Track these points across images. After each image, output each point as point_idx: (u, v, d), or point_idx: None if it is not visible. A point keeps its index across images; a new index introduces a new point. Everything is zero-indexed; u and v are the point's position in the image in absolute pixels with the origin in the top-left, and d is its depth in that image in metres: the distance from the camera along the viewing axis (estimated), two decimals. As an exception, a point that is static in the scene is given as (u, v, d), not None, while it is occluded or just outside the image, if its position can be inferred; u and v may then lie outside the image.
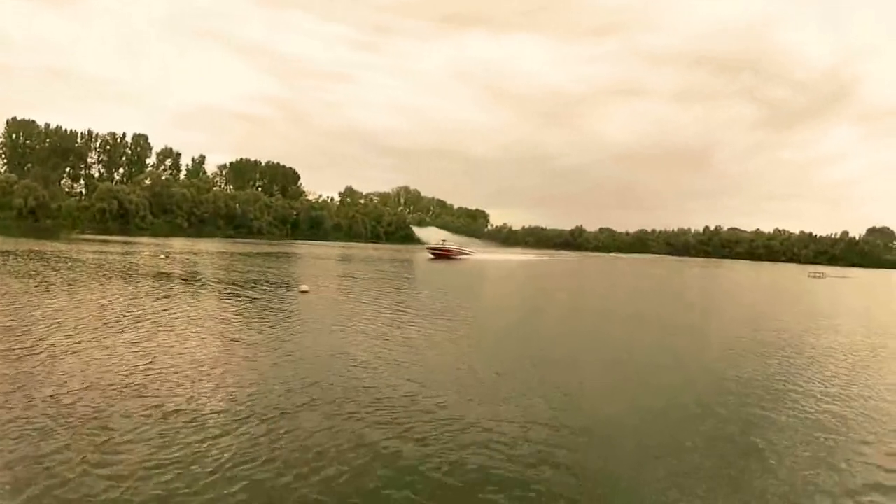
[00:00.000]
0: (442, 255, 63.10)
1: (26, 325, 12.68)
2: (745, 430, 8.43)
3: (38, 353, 10.33)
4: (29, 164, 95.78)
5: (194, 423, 7.27)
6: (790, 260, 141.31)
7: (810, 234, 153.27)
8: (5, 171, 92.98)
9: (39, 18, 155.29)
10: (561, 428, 7.91)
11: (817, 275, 70.77)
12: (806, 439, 8.18)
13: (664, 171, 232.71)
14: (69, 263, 28.74)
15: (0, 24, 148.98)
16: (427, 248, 67.34)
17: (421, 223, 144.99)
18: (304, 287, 23.29)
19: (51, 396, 8.02)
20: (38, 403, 7.73)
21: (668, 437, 7.89)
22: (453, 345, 13.75)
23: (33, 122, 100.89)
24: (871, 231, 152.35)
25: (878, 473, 7.09)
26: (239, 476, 5.94)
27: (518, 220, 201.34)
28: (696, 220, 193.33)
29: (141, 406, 7.79)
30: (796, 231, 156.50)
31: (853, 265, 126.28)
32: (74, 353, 10.53)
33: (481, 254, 70.68)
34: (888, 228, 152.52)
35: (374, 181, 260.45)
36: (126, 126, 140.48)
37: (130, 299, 17.58)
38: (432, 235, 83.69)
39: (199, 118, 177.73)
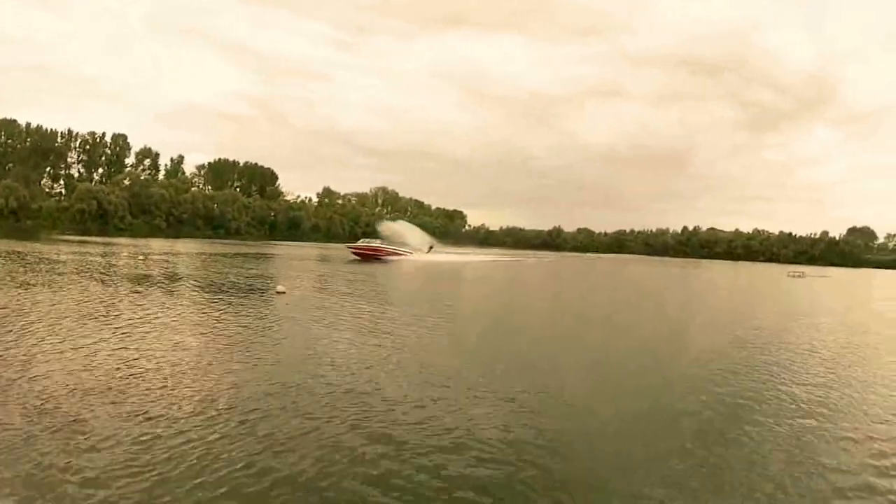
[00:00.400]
0: (367, 254, 55.22)
1: (1, 327, 12.88)
2: (725, 430, 8.48)
3: (11, 355, 10.46)
4: (10, 164, 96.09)
5: (169, 426, 7.37)
6: (769, 260, 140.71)
7: (790, 234, 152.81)
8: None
9: (19, 16, 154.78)
10: (539, 430, 7.94)
11: (797, 274, 70.70)
12: (787, 439, 8.22)
13: (645, 172, 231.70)
14: (48, 265, 29.54)
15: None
16: (348, 247, 59.14)
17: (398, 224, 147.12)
18: (280, 288, 23.55)
19: (24, 398, 8.14)
20: (11, 406, 7.87)
21: (647, 439, 7.90)
22: (427, 346, 13.88)
23: (14, 121, 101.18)
24: (852, 231, 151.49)
25: (860, 473, 7.16)
26: (215, 481, 6.01)
27: (498, 221, 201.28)
28: (676, 221, 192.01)
29: (114, 410, 7.81)
30: (776, 231, 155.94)
31: (833, 265, 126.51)
32: (49, 354, 10.66)
33: (426, 254, 62.30)
34: (869, 228, 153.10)
35: (354, 181, 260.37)
36: (109, 125, 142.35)
37: (106, 301, 17.64)
38: (409, 234, 74.91)
39: (182, 117, 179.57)
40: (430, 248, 67.88)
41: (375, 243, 57.91)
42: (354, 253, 56.25)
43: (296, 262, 47.87)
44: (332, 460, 6.70)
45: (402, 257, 56.87)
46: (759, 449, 7.80)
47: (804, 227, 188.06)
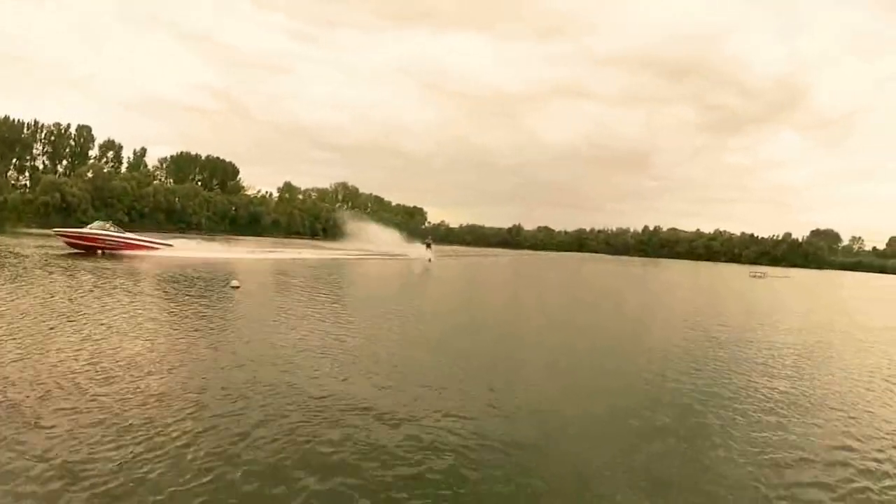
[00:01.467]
0: (81, 242, 36.37)
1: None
2: (689, 430, 8.44)
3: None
4: None
5: (123, 423, 7.17)
6: (731, 260, 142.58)
7: (752, 234, 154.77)
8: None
9: None
10: (499, 433, 7.72)
11: (758, 275, 71.18)
12: (747, 438, 8.19)
13: (607, 172, 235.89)
14: (11, 258, 29.32)
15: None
16: (56, 232, 38.65)
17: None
18: (234, 283, 23.24)
19: None
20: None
21: (610, 440, 7.82)
22: (385, 339, 13.89)
23: None
24: (815, 233, 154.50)
25: (821, 470, 7.21)
26: (169, 482, 5.78)
27: (459, 218, 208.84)
28: (638, 221, 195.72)
29: (67, 409, 7.56)
30: (738, 232, 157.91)
31: (796, 266, 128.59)
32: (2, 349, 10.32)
33: (187, 249, 42.92)
34: (832, 231, 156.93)
35: (314, 176, 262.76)
36: (74, 115, 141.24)
37: (60, 296, 17.30)
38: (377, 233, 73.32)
39: (147, 107, 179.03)
40: (429, 245, 60.33)
41: (108, 229, 38.20)
42: (68, 242, 36.88)
43: (253, 256, 47.45)
44: (294, 460, 6.54)
45: (152, 251, 38.18)
46: (724, 447, 7.81)
47: (768, 229, 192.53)
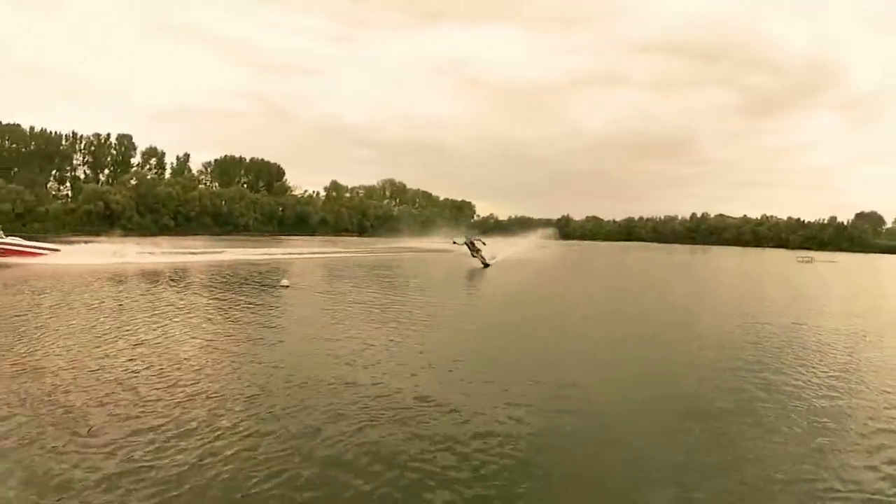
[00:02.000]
0: None
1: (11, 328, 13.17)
2: (740, 423, 8.42)
3: (23, 353, 10.76)
4: (15, 169, 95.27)
5: (179, 418, 7.50)
6: (778, 245, 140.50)
7: (798, 219, 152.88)
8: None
9: (10, 18, 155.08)
10: (555, 424, 7.96)
11: (805, 259, 71.61)
12: (800, 430, 8.15)
13: (644, 159, 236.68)
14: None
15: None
16: None
17: (409, 216, 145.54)
18: (284, 281, 24.17)
19: (30, 393, 8.41)
20: (20, 401, 8.13)
21: (661, 433, 7.85)
22: (437, 338, 13.99)
23: (18, 125, 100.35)
24: (860, 216, 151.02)
25: (878, 469, 6.97)
26: (225, 477, 5.99)
27: (504, 210, 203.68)
28: (678, 209, 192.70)
29: (126, 406, 7.97)
30: (784, 217, 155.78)
31: (841, 250, 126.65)
32: (63, 350, 10.94)
33: (76, 255, 35.13)
34: (876, 213, 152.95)
35: (354, 175, 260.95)
36: (110, 126, 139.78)
37: (116, 299, 18.20)
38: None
39: (182, 116, 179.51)
40: (471, 244, 39.69)
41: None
42: None
43: (302, 257, 46.71)
44: (347, 456, 6.73)
45: (29, 258, 32.31)
46: (780, 434, 7.92)
47: (810, 212, 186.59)
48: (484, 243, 39.86)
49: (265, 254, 49.33)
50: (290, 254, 51.91)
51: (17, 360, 10.73)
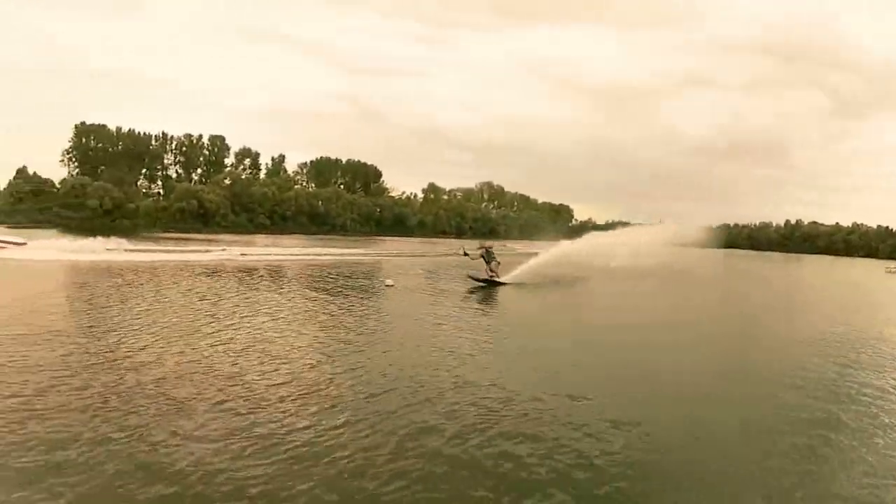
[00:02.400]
0: None
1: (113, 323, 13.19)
2: (826, 438, 8.26)
3: (125, 345, 11.02)
4: (102, 167, 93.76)
5: (282, 412, 7.74)
6: (868, 255, 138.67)
7: (887, 227, 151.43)
8: (77, 174, 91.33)
9: (102, 24, 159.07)
10: (645, 434, 7.84)
11: (893, 270, 69.93)
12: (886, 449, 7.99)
13: (736, 161, 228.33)
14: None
15: (59, 30, 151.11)
16: None
17: (505, 218, 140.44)
18: (389, 281, 24.39)
19: (134, 385, 8.58)
20: (123, 392, 8.27)
21: (748, 446, 7.80)
22: (536, 342, 14.21)
23: (104, 126, 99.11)
24: None
25: None
26: (342, 475, 6.06)
27: (602, 214, 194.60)
28: (768, 214, 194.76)
29: (232, 398, 8.21)
30: (874, 225, 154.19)
31: None
32: (163, 349, 10.87)
33: (43, 249, 32.68)
34: None
35: (449, 177, 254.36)
36: (199, 128, 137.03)
37: (217, 294, 18.46)
38: None
39: (272, 117, 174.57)
40: (484, 251, 30.80)
41: None
42: None
43: (403, 256, 46.96)
44: (446, 455, 6.82)
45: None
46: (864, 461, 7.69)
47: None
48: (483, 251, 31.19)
49: (363, 254, 47.65)
50: (383, 254, 48.95)
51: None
